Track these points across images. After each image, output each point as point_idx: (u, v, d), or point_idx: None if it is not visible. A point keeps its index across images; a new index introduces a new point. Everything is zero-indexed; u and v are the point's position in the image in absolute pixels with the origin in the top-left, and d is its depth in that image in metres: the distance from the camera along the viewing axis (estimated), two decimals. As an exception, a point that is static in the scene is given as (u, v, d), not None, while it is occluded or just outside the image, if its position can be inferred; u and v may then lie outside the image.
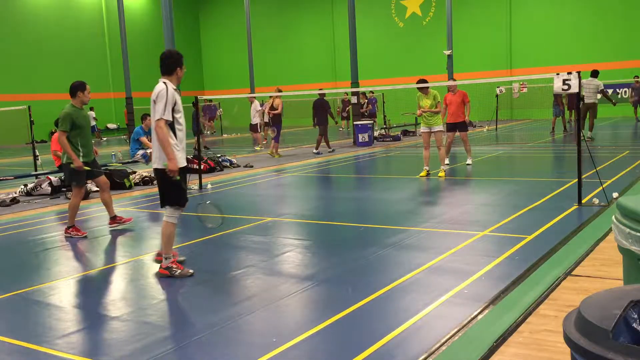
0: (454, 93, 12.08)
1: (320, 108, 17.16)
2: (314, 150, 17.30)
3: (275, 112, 16.53)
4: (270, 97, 16.58)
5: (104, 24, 36.25)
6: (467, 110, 12.31)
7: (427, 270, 5.15)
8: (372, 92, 26.27)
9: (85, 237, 7.26)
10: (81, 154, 7.26)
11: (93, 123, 25.44)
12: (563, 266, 5.01)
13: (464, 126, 12.36)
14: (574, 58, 29.24)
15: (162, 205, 5.41)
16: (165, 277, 5.27)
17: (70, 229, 7.33)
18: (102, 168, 8.44)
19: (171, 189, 5.29)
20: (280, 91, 15.91)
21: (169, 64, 5.34)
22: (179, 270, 5.26)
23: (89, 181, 8.62)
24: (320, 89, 17.89)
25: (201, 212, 6.33)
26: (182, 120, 5.36)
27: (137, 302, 4.80)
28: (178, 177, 5.24)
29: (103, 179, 7.58)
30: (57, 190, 10.93)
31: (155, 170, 5.36)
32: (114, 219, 7.72)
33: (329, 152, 17.35)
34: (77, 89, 7.24)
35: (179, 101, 5.34)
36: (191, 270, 5.32)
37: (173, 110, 5.23)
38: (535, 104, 28.87)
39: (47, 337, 4.07)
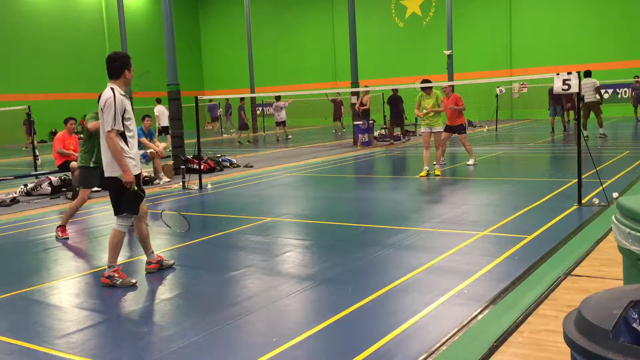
0: (447, 97, 12.08)
1: (394, 104, 18.95)
2: (403, 139, 19.84)
3: (365, 107, 18.14)
4: (364, 92, 18.50)
5: (104, 24, 36.24)
6: (447, 113, 12.13)
7: (427, 270, 5.15)
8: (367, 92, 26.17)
9: (67, 239, 7.21)
10: (93, 160, 7.32)
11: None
12: (563, 266, 5.01)
13: (462, 128, 12.40)
14: (574, 58, 29.22)
15: (116, 213, 5.27)
16: (108, 286, 5.14)
17: (59, 228, 7.36)
18: None
19: (123, 197, 5.15)
20: (367, 87, 17.42)
21: (116, 67, 5.13)
22: (121, 280, 5.12)
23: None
24: (395, 86, 20.00)
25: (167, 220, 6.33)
26: (132, 126, 5.21)
27: (137, 302, 4.80)
28: (135, 188, 5.15)
29: None
30: (57, 190, 10.94)
31: (108, 178, 5.22)
32: None
33: (389, 143, 19.32)
34: None
35: (129, 107, 5.18)
36: (134, 280, 5.17)
37: (123, 118, 5.08)
38: (535, 104, 28.85)
39: (47, 337, 4.07)
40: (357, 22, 21.30)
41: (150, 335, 4.06)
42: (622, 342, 1.79)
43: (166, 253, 6.10)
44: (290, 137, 24.62)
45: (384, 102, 27.48)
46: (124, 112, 5.10)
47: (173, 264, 5.71)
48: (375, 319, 4.08)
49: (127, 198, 5.17)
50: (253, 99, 30.97)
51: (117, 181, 5.13)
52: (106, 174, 5.21)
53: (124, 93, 5.19)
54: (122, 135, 5.12)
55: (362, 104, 18.31)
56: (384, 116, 25.58)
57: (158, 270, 5.58)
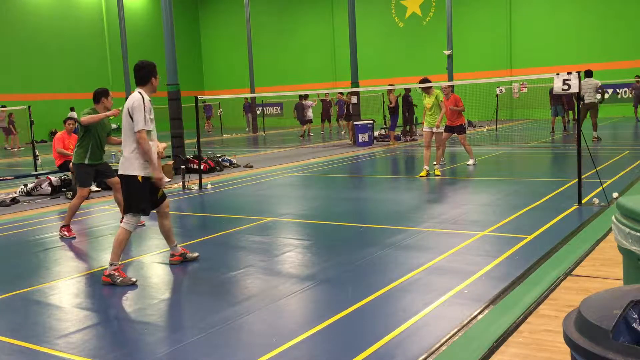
0: (447, 98, 12.08)
1: (405, 103, 19.92)
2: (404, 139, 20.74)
3: (391, 105, 18.92)
4: (389, 92, 19.18)
5: (104, 24, 36.23)
6: (447, 113, 12.06)
7: (427, 270, 5.15)
8: (341, 93, 26.29)
9: (74, 238, 7.25)
10: (87, 157, 7.30)
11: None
12: (563, 266, 5.01)
13: (462, 129, 12.38)
14: (574, 58, 29.22)
15: (125, 211, 5.38)
16: (108, 284, 5.17)
17: (64, 228, 7.37)
18: None
19: (134, 196, 5.28)
20: (391, 85, 18.16)
21: (143, 75, 5.38)
22: (121, 278, 5.15)
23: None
24: (406, 86, 20.57)
25: None
26: (153, 132, 5.40)
27: (137, 302, 4.80)
28: (164, 184, 5.37)
29: (116, 179, 7.67)
30: (57, 190, 10.93)
31: (120, 176, 5.36)
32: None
33: (404, 139, 20.36)
34: (101, 95, 7.30)
35: (152, 111, 5.38)
36: (134, 279, 5.19)
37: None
38: (535, 104, 28.85)
39: (47, 337, 4.07)
40: (357, 22, 21.29)
41: (150, 335, 4.06)
42: (622, 342, 1.79)
43: (166, 253, 6.10)
44: (312, 134, 26.57)
45: (383, 103, 27.59)
46: (150, 114, 5.32)
47: (197, 257, 5.87)
48: (375, 319, 4.08)
49: (135, 197, 5.29)
50: (253, 99, 31.00)
51: (129, 179, 5.27)
52: (120, 172, 5.36)
53: (150, 99, 5.39)
54: None
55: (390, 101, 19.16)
56: (384, 117, 25.62)
57: (181, 262, 5.74)
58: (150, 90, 5.41)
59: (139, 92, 5.32)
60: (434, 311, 4.15)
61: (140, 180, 5.26)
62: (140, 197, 5.30)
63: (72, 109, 28.34)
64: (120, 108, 7.41)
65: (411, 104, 19.81)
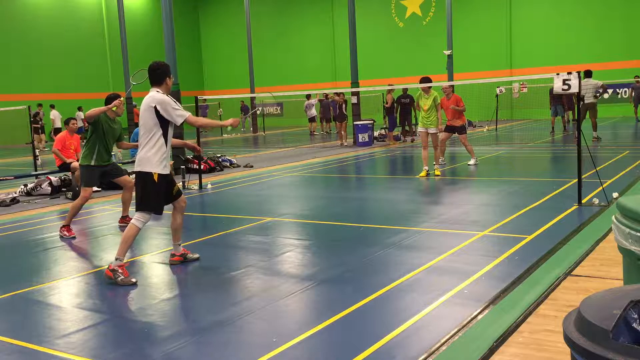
0: (448, 98, 12.07)
1: (399, 104, 19.94)
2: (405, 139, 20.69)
3: (387, 105, 19.42)
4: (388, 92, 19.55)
5: (104, 24, 36.23)
6: (447, 113, 12.08)
7: (427, 270, 5.15)
8: (336, 94, 26.27)
9: (74, 238, 7.26)
10: (94, 158, 7.33)
11: (81, 124, 25.33)
12: (563, 266, 5.01)
13: (462, 129, 12.37)
14: (574, 58, 29.22)
15: (136, 209, 5.40)
16: (109, 279, 5.19)
17: (64, 228, 7.39)
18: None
19: (148, 194, 5.31)
20: (391, 85, 18.41)
21: (159, 75, 5.45)
22: (122, 277, 5.16)
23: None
24: (404, 86, 20.62)
25: None
26: (172, 129, 5.46)
27: (137, 302, 4.80)
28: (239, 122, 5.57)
29: (126, 177, 7.72)
30: (57, 190, 10.94)
31: (137, 173, 5.37)
32: (124, 219, 7.84)
33: (403, 140, 20.28)
34: (112, 100, 7.34)
35: None
36: (134, 279, 5.20)
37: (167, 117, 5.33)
38: (535, 104, 28.85)
39: (47, 337, 4.07)
40: (357, 22, 21.29)
41: (150, 335, 4.06)
42: (622, 342, 1.79)
43: (166, 253, 6.10)
44: (316, 133, 26.87)
45: (383, 103, 27.56)
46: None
47: (198, 258, 5.88)
48: (375, 319, 4.08)
49: (149, 195, 5.32)
50: (253, 99, 31.00)
51: (145, 176, 5.29)
52: (136, 169, 5.38)
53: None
54: (164, 135, 5.34)
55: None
56: (384, 116, 25.58)
57: (181, 263, 5.75)
58: (165, 90, 5.46)
59: (157, 91, 5.37)
60: (434, 311, 4.15)
61: (156, 178, 5.28)
62: (154, 196, 5.32)
63: (52, 107, 27.93)
64: (122, 98, 7.42)
65: (404, 105, 19.49)
